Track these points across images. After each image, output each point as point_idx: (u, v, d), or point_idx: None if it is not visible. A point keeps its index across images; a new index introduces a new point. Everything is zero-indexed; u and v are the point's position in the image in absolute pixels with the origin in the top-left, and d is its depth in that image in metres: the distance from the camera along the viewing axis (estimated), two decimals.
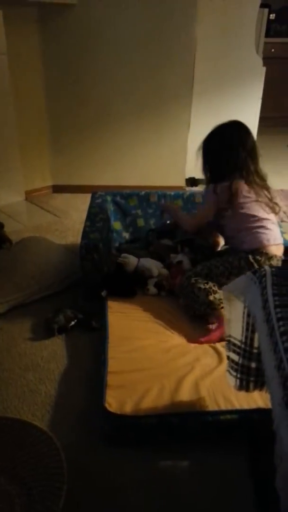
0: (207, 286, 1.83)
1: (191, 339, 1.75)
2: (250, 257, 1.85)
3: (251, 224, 1.90)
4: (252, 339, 1.28)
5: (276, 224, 1.95)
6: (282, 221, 2.72)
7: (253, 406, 1.39)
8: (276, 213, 1.95)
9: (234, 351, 1.35)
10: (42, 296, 2.14)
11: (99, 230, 2.12)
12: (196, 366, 1.57)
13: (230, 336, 1.38)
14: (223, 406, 1.39)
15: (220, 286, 1.80)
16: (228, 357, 1.38)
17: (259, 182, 1.92)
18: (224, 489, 1.26)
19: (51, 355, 1.77)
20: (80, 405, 1.53)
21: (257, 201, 1.90)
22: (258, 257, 1.84)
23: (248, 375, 1.32)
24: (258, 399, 1.40)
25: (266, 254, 1.85)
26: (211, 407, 1.39)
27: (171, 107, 3.41)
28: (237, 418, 1.36)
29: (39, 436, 1.24)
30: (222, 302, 1.73)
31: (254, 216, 1.90)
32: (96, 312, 1.96)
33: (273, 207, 1.93)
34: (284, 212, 3.39)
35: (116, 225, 2.49)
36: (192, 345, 1.71)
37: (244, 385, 1.32)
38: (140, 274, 2.05)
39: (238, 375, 1.33)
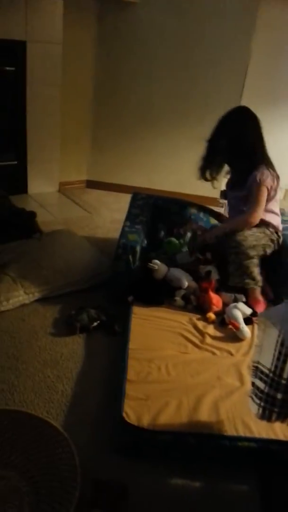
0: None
1: None
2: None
3: (276, 209, 2.14)
4: (282, 369, 1.24)
5: None
6: None
7: (272, 436, 1.35)
8: None
9: (260, 379, 1.32)
10: (67, 291, 2.14)
11: (137, 232, 2.10)
12: (217, 386, 1.54)
13: (258, 363, 1.34)
14: (242, 433, 1.36)
15: None
16: (253, 384, 1.35)
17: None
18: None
19: (71, 354, 1.77)
20: (96, 409, 1.52)
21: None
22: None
23: (273, 405, 1.28)
24: (277, 430, 1.37)
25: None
26: (230, 432, 1.36)
27: (217, 117, 3.38)
28: (255, 446, 1.33)
29: (55, 436, 1.23)
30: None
31: (276, 200, 2.13)
32: (120, 316, 1.94)
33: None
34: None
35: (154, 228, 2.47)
36: (214, 359, 1.68)
37: (266, 415, 1.29)
38: (168, 284, 2.03)
39: (262, 404, 1.30)
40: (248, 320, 1.87)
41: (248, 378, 1.58)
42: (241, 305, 1.92)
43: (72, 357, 1.75)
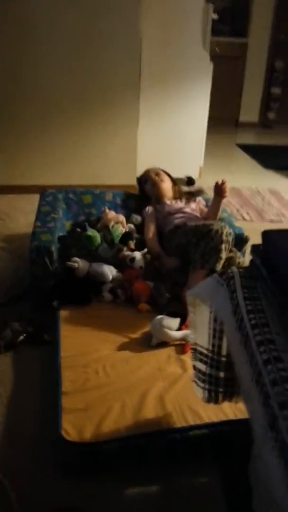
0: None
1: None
2: None
3: None
4: (220, 347, 1.18)
5: None
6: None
7: (222, 417, 1.29)
8: None
9: (200, 360, 1.26)
10: None
11: (51, 231, 1.94)
12: (159, 378, 1.46)
13: (196, 344, 1.28)
14: (192, 421, 1.28)
15: None
16: (195, 367, 1.28)
17: None
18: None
19: None
20: (35, 433, 1.37)
21: None
22: None
23: (217, 385, 1.23)
24: (227, 410, 1.31)
25: None
26: (179, 423, 1.28)
27: (119, 103, 3.28)
28: (207, 432, 1.26)
29: None
30: None
31: None
32: (48, 323, 1.78)
33: None
34: (237, 210, 3.37)
35: (68, 224, 2.31)
36: (152, 351, 1.60)
37: (213, 397, 1.23)
38: (93, 280, 1.91)
39: (206, 386, 1.24)
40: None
41: (190, 363, 1.52)
42: (166, 322, 1.63)
43: (1, 381, 1.57)
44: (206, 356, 1.23)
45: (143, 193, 2.43)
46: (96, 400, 1.35)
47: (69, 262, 1.87)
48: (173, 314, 1.63)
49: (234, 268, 1.08)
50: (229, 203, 3.48)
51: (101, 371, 1.48)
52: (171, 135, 3.69)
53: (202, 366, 1.25)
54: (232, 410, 1.31)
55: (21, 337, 1.74)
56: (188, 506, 1.17)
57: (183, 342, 1.61)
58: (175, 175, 3.92)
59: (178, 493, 1.20)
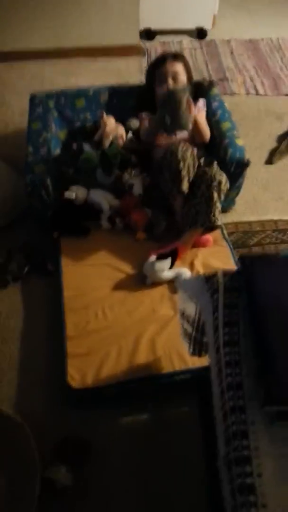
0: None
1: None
2: None
3: None
4: (203, 329, 1.29)
5: None
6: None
7: (204, 363, 1.49)
8: None
9: (188, 322, 1.38)
10: None
11: (44, 160, 1.86)
12: (152, 320, 1.63)
13: (184, 309, 1.39)
14: (177, 367, 1.50)
15: None
16: (182, 326, 1.42)
17: None
18: (180, 434, 1.45)
19: (10, 309, 1.77)
20: (45, 366, 1.61)
21: None
22: None
23: (201, 345, 1.38)
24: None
25: None
26: (166, 368, 1.50)
27: None
28: (189, 377, 1.49)
29: (12, 426, 1.34)
30: None
31: None
32: (49, 250, 1.88)
33: None
34: (251, 80, 3.01)
35: (62, 134, 2.18)
36: (147, 290, 1.73)
37: (196, 352, 1.41)
38: (91, 207, 1.92)
39: (191, 345, 1.40)
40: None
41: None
42: (157, 265, 1.69)
43: (13, 313, 1.77)
44: (193, 321, 1.35)
45: (149, 88, 2.07)
46: (96, 344, 1.55)
47: (67, 192, 1.85)
48: (163, 256, 1.69)
49: (220, 276, 1.10)
50: (243, 68, 3.10)
51: (100, 313, 1.64)
52: None
53: (188, 327, 1.38)
54: None
55: (26, 269, 1.87)
56: (173, 428, 1.48)
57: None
58: (185, 26, 3.41)
59: (165, 419, 1.49)
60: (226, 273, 1.14)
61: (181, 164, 1.73)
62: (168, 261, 1.70)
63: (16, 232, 2.02)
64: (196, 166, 1.80)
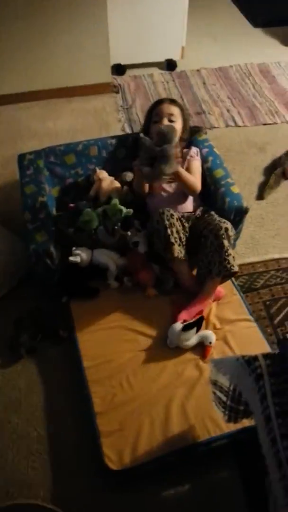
0: None
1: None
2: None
3: None
4: (240, 395, 1.29)
5: None
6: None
7: (239, 426, 1.50)
8: None
9: (221, 391, 1.38)
10: None
11: (44, 226, 1.81)
12: (179, 384, 1.61)
13: (216, 380, 1.39)
14: (213, 432, 1.49)
15: None
16: (215, 393, 1.41)
17: None
18: (223, 499, 1.45)
19: (28, 384, 1.71)
20: (76, 442, 1.56)
21: None
22: None
23: (237, 413, 1.37)
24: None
25: None
26: (202, 436, 1.49)
27: None
28: (227, 442, 1.49)
29: None
30: None
31: None
32: (59, 313, 1.84)
33: None
34: (228, 111, 3.05)
35: (55, 191, 2.14)
36: (167, 350, 1.71)
37: (232, 419, 1.40)
38: (96, 267, 1.88)
39: (227, 412, 1.39)
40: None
41: (204, 365, 1.66)
42: (183, 336, 1.67)
43: (31, 388, 1.71)
44: (227, 391, 1.35)
45: (146, 130, 2.04)
46: (127, 417, 1.52)
47: (71, 257, 1.82)
48: (187, 327, 1.68)
49: (262, 360, 1.11)
50: (218, 99, 3.15)
51: (125, 382, 1.61)
52: (145, 15, 3.09)
53: (223, 397, 1.37)
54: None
55: (38, 339, 1.81)
56: (218, 495, 1.46)
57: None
58: (154, 59, 3.44)
59: (207, 487, 1.48)
60: (267, 356, 1.15)
61: (169, 230, 1.75)
62: (194, 331, 1.69)
63: (20, 299, 1.95)
64: (187, 228, 1.84)
